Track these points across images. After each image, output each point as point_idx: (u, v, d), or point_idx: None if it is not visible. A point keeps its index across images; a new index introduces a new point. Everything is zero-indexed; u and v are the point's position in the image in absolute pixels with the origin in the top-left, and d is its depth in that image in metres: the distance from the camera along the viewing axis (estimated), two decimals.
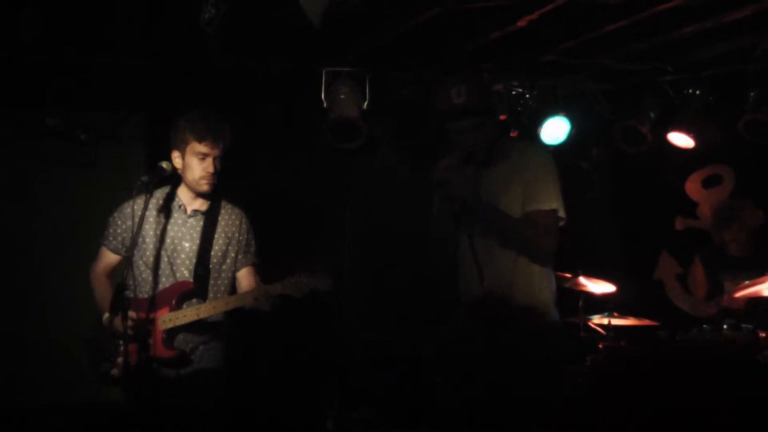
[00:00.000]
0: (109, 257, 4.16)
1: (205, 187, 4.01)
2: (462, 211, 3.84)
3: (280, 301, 3.95)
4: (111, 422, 4.52)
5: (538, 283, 3.89)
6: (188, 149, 3.98)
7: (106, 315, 3.89)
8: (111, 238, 4.15)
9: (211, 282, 4.05)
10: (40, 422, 5.29)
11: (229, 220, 4.15)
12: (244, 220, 4.19)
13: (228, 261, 4.11)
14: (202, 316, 3.94)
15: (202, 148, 3.95)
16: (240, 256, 4.15)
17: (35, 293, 5.52)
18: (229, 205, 4.18)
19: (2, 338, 5.42)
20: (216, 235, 4.08)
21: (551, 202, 3.82)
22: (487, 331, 3.86)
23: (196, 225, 4.07)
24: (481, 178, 3.89)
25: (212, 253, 4.06)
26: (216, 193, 4.12)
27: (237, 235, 4.14)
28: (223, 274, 4.10)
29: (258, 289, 3.95)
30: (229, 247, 4.12)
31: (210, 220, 4.09)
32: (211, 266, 4.05)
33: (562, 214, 3.84)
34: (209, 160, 3.97)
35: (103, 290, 4.08)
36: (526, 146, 4.02)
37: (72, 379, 5.07)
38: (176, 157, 4.02)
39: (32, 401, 5.38)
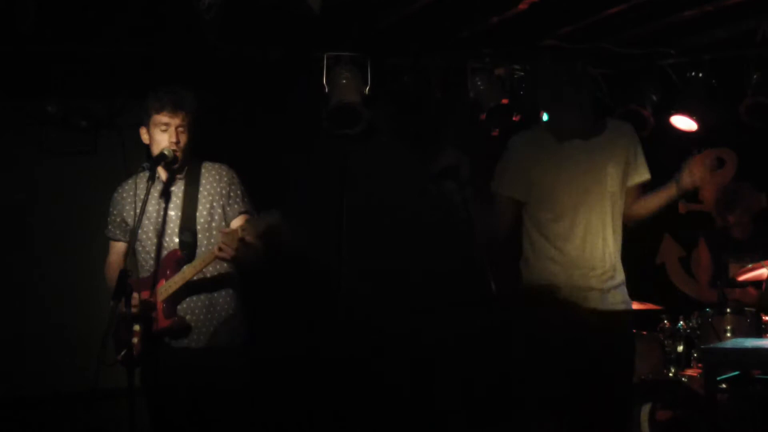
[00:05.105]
0: (115, 246, 4.22)
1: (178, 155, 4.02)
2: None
3: (244, 250, 3.86)
4: (115, 407, 4.56)
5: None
6: (151, 122, 4.02)
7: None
8: (110, 227, 4.22)
9: (205, 243, 4.03)
10: (39, 409, 5.33)
11: (210, 177, 4.10)
12: (224, 172, 4.13)
13: (216, 218, 4.07)
14: (189, 277, 3.95)
15: (162, 118, 3.99)
16: (228, 209, 4.09)
17: (34, 282, 5.51)
18: (209, 164, 4.15)
19: (1, 327, 5.43)
20: (199, 196, 4.06)
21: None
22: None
23: (177, 191, 4.07)
24: (571, 152, 3.99)
25: (197, 214, 4.04)
26: (195, 159, 4.12)
27: (218, 188, 4.09)
28: (214, 232, 4.05)
29: (222, 235, 3.88)
30: (214, 204, 4.07)
31: (190, 182, 4.07)
32: (198, 227, 4.03)
33: None
34: (171, 130, 3.99)
35: (115, 279, 4.10)
36: (614, 121, 4.24)
37: (72, 366, 5.13)
38: (144, 133, 4.08)
39: (31, 389, 5.40)
